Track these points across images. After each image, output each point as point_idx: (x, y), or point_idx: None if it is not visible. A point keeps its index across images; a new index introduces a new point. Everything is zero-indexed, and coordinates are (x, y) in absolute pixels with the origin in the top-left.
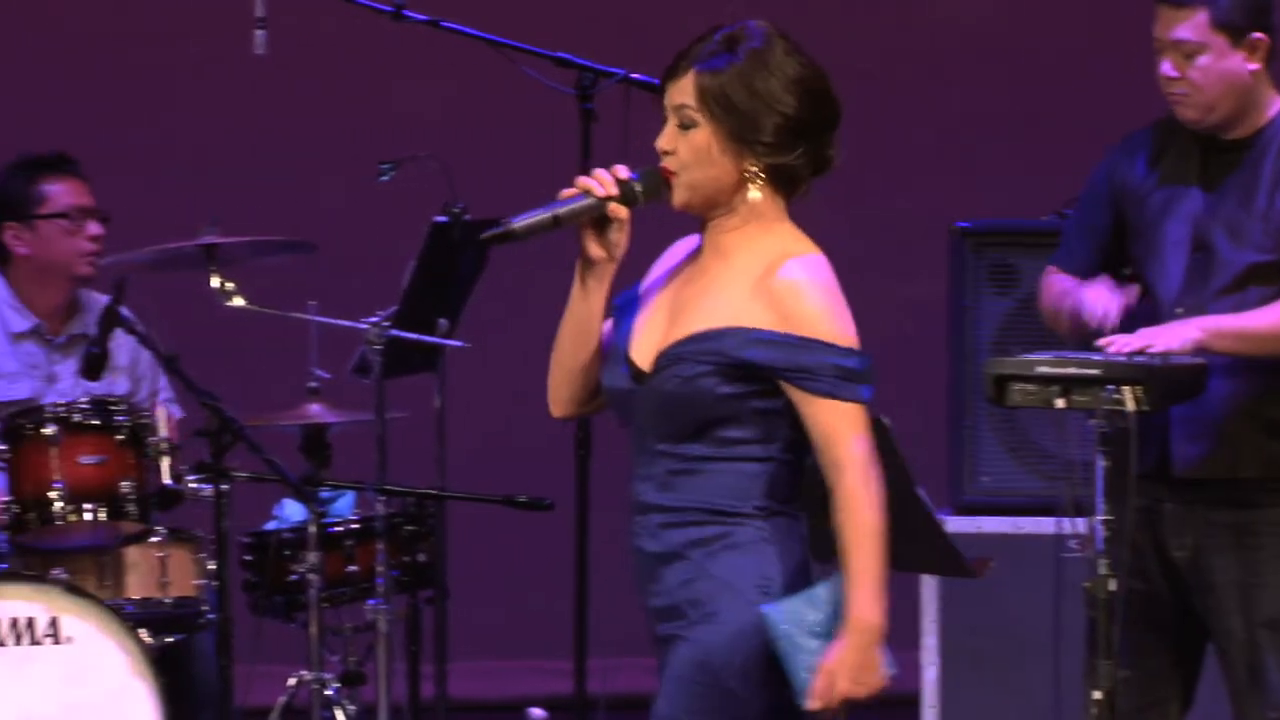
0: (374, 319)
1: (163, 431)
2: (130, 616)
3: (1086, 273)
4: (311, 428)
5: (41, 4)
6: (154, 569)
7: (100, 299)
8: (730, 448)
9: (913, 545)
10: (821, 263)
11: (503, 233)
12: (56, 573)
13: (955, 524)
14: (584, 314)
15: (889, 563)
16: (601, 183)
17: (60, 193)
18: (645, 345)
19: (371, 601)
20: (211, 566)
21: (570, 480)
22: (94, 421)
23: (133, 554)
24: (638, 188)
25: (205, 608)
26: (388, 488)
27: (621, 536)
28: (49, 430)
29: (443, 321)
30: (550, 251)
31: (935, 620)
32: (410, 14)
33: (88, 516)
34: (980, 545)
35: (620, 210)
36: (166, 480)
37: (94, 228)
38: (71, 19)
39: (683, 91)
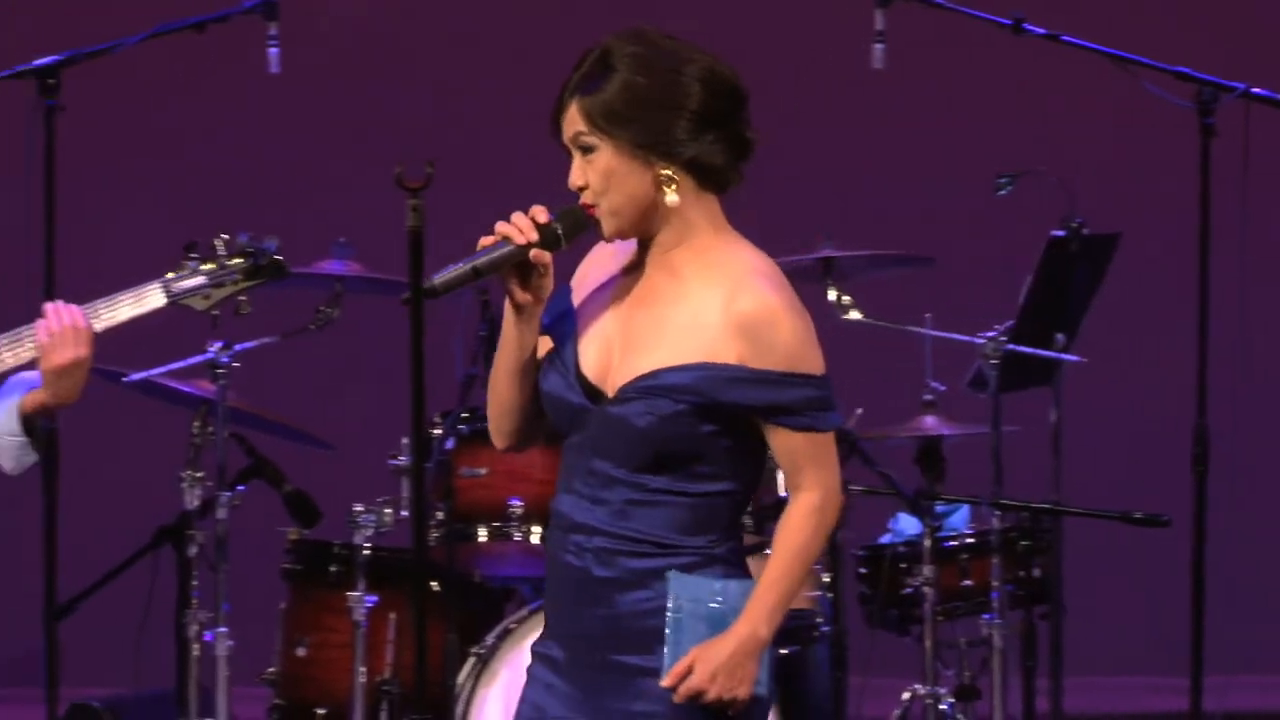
0: (990, 333)
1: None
2: None
3: None
4: (926, 441)
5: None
6: None
7: None
8: (697, 483)
9: None
10: (779, 275)
11: (422, 290)
12: None
13: None
14: (516, 355)
15: None
16: (521, 228)
17: None
18: (598, 364)
19: (986, 616)
20: (826, 579)
21: (1187, 495)
22: None
23: (750, 565)
24: (558, 229)
25: (820, 620)
26: (1003, 502)
27: (1243, 554)
28: None
29: (1060, 336)
30: (1163, 272)
31: None
32: (1030, 27)
33: None
34: None
35: (544, 256)
36: (782, 493)
37: None
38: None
39: (572, 122)
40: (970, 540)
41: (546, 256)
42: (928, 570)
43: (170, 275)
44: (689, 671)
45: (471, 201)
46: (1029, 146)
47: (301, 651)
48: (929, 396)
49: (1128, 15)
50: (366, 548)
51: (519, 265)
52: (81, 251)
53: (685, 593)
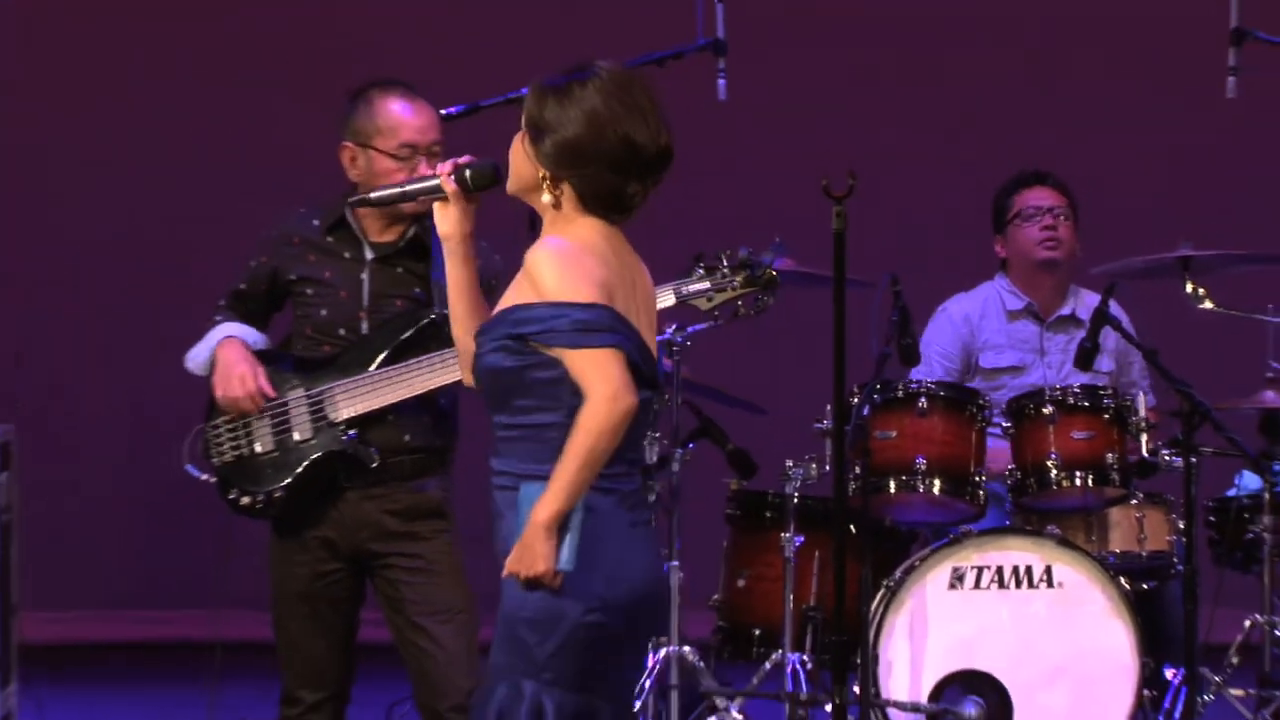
0: None
1: (1142, 413)
2: (1112, 566)
3: None
4: (1267, 411)
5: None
6: (1133, 527)
7: (1088, 295)
8: (524, 415)
9: None
10: (566, 244)
11: (360, 199)
12: (1051, 529)
13: None
14: (456, 293)
15: None
16: (445, 171)
17: (1025, 198)
18: None
19: None
20: (1181, 526)
21: None
22: (1084, 404)
23: (1115, 514)
24: (468, 173)
25: (1175, 560)
26: None
27: None
28: (1047, 410)
29: None
30: None
31: None
32: None
33: (1078, 483)
34: None
35: (449, 186)
36: (1144, 454)
37: (1048, 219)
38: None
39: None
40: None
41: (450, 188)
42: (1267, 519)
43: (679, 279)
44: (509, 560)
45: (886, 206)
46: None
47: (741, 582)
48: (1270, 374)
49: None
50: (796, 496)
51: (443, 199)
52: None
53: (526, 500)
